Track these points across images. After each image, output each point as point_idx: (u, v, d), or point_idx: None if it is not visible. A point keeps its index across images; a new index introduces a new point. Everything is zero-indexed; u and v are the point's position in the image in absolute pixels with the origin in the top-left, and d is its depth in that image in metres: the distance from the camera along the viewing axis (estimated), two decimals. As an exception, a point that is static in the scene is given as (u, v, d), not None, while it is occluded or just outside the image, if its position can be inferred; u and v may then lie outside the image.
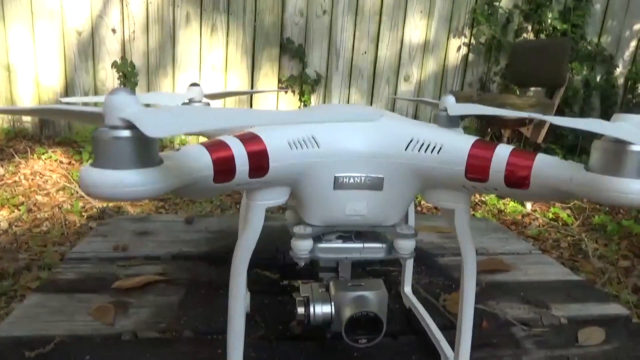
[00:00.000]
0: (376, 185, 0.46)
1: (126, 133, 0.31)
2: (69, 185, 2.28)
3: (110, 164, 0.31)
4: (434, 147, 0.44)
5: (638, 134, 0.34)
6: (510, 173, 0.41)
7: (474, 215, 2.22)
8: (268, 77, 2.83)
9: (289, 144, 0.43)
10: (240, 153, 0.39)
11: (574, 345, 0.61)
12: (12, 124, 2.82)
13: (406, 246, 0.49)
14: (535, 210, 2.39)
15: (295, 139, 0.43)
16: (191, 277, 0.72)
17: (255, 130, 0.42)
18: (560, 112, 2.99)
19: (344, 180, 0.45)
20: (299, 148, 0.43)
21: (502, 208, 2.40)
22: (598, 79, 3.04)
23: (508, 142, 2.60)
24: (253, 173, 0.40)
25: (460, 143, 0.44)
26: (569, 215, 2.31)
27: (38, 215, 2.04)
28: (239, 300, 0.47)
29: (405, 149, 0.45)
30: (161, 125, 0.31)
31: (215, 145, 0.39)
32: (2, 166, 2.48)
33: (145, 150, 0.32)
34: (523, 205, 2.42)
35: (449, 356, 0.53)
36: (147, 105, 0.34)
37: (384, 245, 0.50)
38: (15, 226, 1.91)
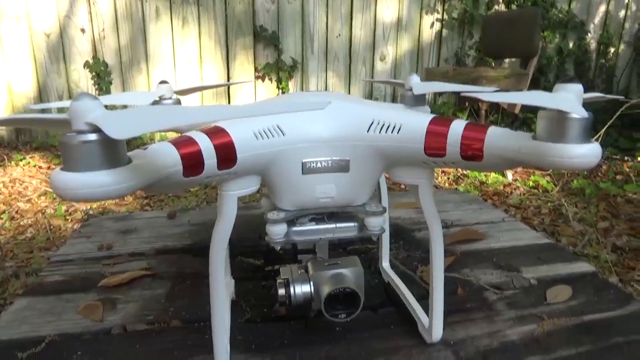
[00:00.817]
0: (343, 167, 0.48)
1: (93, 137, 0.32)
2: (50, 190, 2.27)
3: (80, 166, 0.32)
4: (394, 127, 0.46)
5: (576, 103, 0.37)
6: (465, 147, 0.43)
7: (456, 188, 2.26)
8: (244, 67, 2.82)
9: (255, 134, 0.45)
10: (207, 147, 0.41)
11: (542, 303, 0.64)
12: (-12, 132, 2.78)
13: (376, 223, 0.51)
14: (516, 180, 2.44)
15: (261, 129, 0.45)
16: (176, 270, 0.74)
17: (221, 124, 0.44)
18: (535, 81, 3.03)
19: (311, 165, 0.47)
20: (265, 138, 0.45)
21: (484, 180, 2.44)
22: (571, 45, 3.08)
23: (486, 115, 2.64)
24: (221, 165, 0.42)
25: (419, 122, 0.46)
26: (548, 182, 2.37)
27: (21, 222, 2.02)
28: (220, 287, 0.49)
29: (367, 131, 0.47)
30: (124, 126, 0.32)
31: (182, 142, 0.41)
32: (-19, 176, 2.45)
33: (113, 151, 0.33)
34: (504, 175, 2.47)
35: (425, 322, 0.56)
36: (113, 108, 0.36)
37: (355, 224, 0.52)
38: None
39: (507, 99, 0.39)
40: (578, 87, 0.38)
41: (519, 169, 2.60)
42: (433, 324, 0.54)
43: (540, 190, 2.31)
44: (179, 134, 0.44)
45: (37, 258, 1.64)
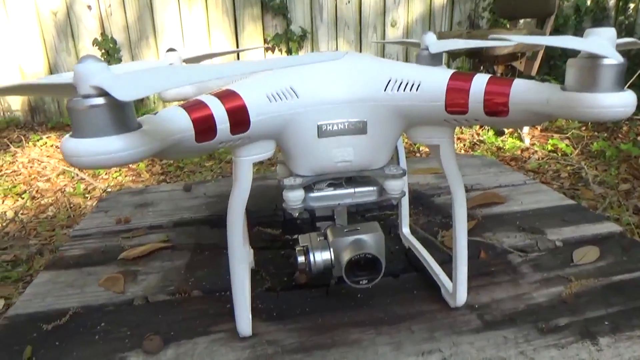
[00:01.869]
0: (360, 129, 0.46)
1: (100, 100, 0.31)
2: (68, 169, 2.29)
3: (89, 132, 0.31)
4: (413, 85, 0.44)
5: (610, 48, 0.34)
6: (489, 102, 0.41)
7: (473, 153, 2.23)
8: (253, 38, 2.78)
9: (268, 97, 0.43)
10: (219, 111, 0.40)
11: (569, 265, 0.63)
12: (2, 114, 2.80)
13: (396, 186, 0.49)
14: (534, 144, 2.39)
15: (274, 91, 0.43)
16: (195, 241, 0.74)
17: (232, 86, 0.42)
18: (552, 42, 2.92)
19: (327, 127, 0.46)
20: (279, 100, 0.43)
21: (501, 145, 2.40)
22: (588, 2, 2.96)
23: (503, 76, 2.57)
24: (234, 129, 0.41)
25: (438, 78, 0.44)
26: (567, 145, 2.32)
27: (42, 202, 2.06)
28: (238, 254, 0.48)
29: (385, 90, 0.45)
30: (131, 87, 0.31)
31: (193, 106, 0.39)
32: (-1, 157, 2.49)
33: (122, 115, 0.32)
34: (521, 140, 2.42)
35: (448, 287, 0.55)
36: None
37: (374, 188, 0.51)
38: (21, 214, 1.93)
39: (534, 41, 0.37)
40: (611, 32, 0.35)
41: (537, 133, 2.54)
42: (457, 287, 0.53)
43: (559, 154, 2.26)
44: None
45: (59, 235, 1.67)
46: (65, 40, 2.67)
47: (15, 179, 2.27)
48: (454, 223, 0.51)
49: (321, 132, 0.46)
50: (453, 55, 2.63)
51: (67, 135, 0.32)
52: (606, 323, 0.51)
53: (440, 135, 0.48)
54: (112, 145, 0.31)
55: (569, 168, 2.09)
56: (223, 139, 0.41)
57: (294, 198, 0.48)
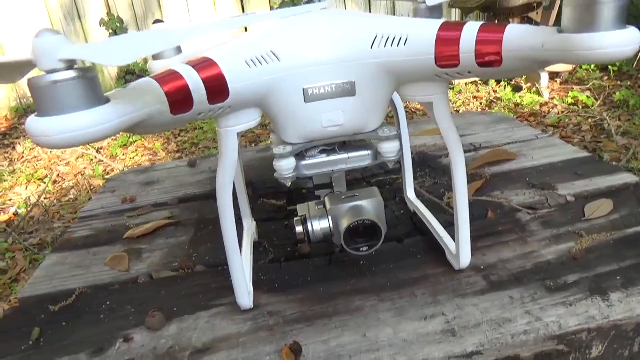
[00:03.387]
0: (348, 90, 0.44)
1: (69, 74, 0.30)
2: (86, 151, 2.32)
3: (57, 109, 0.30)
4: (400, 39, 0.41)
5: None
6: (481, 51, 0.38)
7: (489, 111, 2.16)
8: (259, 6, 2.72)
9: (247, 62, 0.41)
10: (194, 80, 0.38)
11: (580, 220, 0.60)
12: (18, 101, 2.84)
13: (391, 148, 0.47)
14: (553, 98, 2.31)
15: (253, 56, 0.41)
16: (198, 217, 0.74)
17: (208, 53, 0.40)
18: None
19: (313, 91, 0.44)
20: (258, 65, 0.41)
21: (519, 101, 2.32)
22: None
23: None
24: (212, 98, 0.39)
25: (426, 29, 0.41)
26: (588, 97, 2.23)
27: (63, 185, 2.10)
28: (230, 225, 0.48)
29: (371, 47, 0.42)
30: (118, 52, 0.30)
31: (166, 76, 0.37)
32: (19, 144, 2.54)
33: (90, 89, 0.31)
34: (540, 94, 2.33)
35: (452, 249, 0.54)
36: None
37: (368, 152, 0.49)
38: (44, 198, 1.98)
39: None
40: None
41: (556, 86, 2.45)
42: (460, 249, 0.51)
43: (580, 106, 2.18)
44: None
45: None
46: (73, 22, 2.67)
47: (36, 164, 2.32)
48: (453, 182, 0.49)
49: (307, 96, 0.44)
50: (465, 10, 2.53)
51: (32, 115, 0.31)
52: (618, 278, 0.49)
53: (433, 92, 0.45)
54: (82, 120, 0.30)
55: (590, 120, 2.01)
56: (201, 110, 0.39)
57: (284, 166, 0.47)
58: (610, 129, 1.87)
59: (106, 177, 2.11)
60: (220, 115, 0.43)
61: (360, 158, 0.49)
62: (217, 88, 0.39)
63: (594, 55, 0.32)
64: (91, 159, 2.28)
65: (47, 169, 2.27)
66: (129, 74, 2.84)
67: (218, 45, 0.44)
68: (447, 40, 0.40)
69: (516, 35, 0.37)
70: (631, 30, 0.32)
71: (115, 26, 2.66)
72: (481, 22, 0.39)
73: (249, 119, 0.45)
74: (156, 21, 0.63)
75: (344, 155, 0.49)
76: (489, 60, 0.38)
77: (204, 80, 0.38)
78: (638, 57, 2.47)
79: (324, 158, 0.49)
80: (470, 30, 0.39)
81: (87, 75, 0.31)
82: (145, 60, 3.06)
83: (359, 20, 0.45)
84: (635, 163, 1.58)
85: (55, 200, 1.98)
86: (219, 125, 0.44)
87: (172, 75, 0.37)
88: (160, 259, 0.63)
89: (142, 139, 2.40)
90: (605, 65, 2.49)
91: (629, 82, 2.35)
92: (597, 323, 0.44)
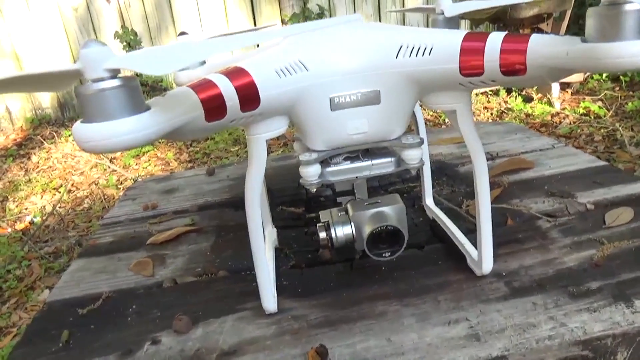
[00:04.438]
0: (373, 99, 0.45)
1: (114, 82, 0.31)
2: (100, 161, 2.35)
3: (101, 116, 0.32)
4: (425, 49, 0.43)
5: None
6: (506, 60, 0.39)
7: (503, 121, 2.17)
8: (271, 18, 2.76)
9: (277, 72, 0.42)
10: (227, 89, 0.39)
11: (601, 228, 0.61)
12: (34, 112, 2.89)
13: (414, 156, 0.48)
14: (564, 108, 2.31)
15: (283, 66, 0.43)
16: (219, 224, 0.75)
17: (240, 64, 0.42)
18: (580, 3, 2.79)
19: (340, 99, 0.45)
20: (288, 75, 0.43)
21: (530, 112, 2.32)
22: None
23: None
24: (245, 106, 0.41)
25: (451, 39, 0.42)
26: (600, 107, 2.22)
27: (78, 195, 2.13)
28: (259, 232, 0.49)
29: (396, 57, 0.44)
30: (159, 62, 0.31)
31: (201, 85, 0.39)
32: (35, 154, 2.58)
33: (133, 97, 0.33)
34: (551, 105, 2.34)
35: (474, 255, 0.54)
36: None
37: (392, 159, 0.50)
38: (59, 207, 2.01)
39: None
40: None
41: (567, 97, 2.45)
42: (483, 255, 0.52)
43: (592, 117, 2.18)
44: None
45: (96, 227, 1.72)
46: (88, 35, 2.72)
47: (52, 174, 2.35)
48: (475, 189, 0.50)
49: (334, 105, 0.45)
50: (475, 22, 2.54)
51: (78, 122, 0.33)
52: (641, 285, 0.49)
53: (457, 100, 0.46)
54: (124, 127, 0.32)
55: (602, 131, 2.01)
56: (233, 117, 0.41)
57: (310, 173, 0.48)
58: (623, 139, 1.86)
59: (119, 186, 2.13)
60: (250, 123, 0.44)
61: (384, 165, 0.50)
62: (249, 96, 0.40)
63: (619, 63, 0.33)
64: (105, 169, 2.31)
65: (62, 178, 2.30)
66: (142, 85, 2.89)
67: (246, 56, 0.46)
68: (471, 50, 0.41)
69: (541, 45, 0.38)
70: None
71: (129, 39, 2.71)
72: (505, 32, 0.41)
73: (277, 127, 0.46)
74: (181, 33, 0.65)
75: (368, 162, 0.50)
76: (513, 69, 0.39)
77: (237, 89, 0.40)
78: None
79: (348, 165, 0.50)
80: (495, 40, 0.40)
81: (131, 84, 0.32)
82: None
83: (384, 31, 0.46)
84: (650, 173, 1.57)
85: (70, 210, 2.00)
86: (249, 132, 0.45)
87: (207, 84, 0.39)
88: (183, 265, 0.64)
89: (155, 149, 2.42)
90: (617, 75, 2.49)
91: (641, 93, 2.34)
92: (622, 329, 0.44)
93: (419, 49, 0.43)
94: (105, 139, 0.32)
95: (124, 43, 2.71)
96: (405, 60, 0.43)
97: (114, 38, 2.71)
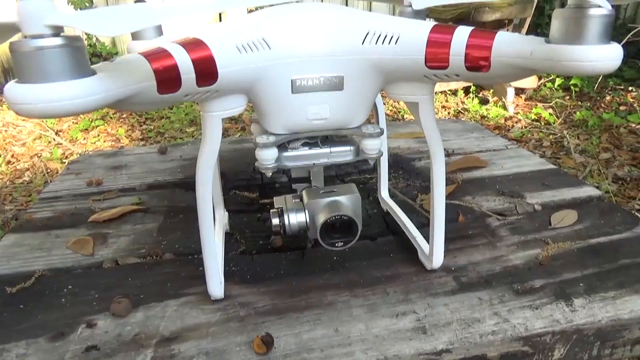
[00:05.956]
0: (336, 85, 0.44)
1: (56, 41, 0.28)
2: (45, 133, 2.23)
3: (40, 77, 0.29)
4: (392, 38, 0.42)
5: None
6: (471, 55, 0.39)
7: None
8: None
9: (238, 47, 0.40)
10: (183, 61, 0.37)
11: (547, 228, 0.62)
12: (-27, 75, 2.69)
13: (373, 146, 0.48)
14: (517, 113, 2.39)
15: (245, 42, 0.41)
16: (168, 204, 0.72)
17: (199, 35, 0.39)
18: (540, 9, 2.89)
19: (302, 82, 0.43)
20: (249, 51, 0.41)
21: (485, 114, 2.39)
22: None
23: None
24: (201, 81, 0.38)
25: (419, 31, 0.41)
26: (550, 114, 2.32)
27: (18, 167, 2.00)
28: (208, 215, 0.47)
29: (362, 43, 0.43)
30: (110, 23, 0.29)
31: (155, 54, 0.36)
32: (-29, 120, 2.40)
33: (76, 59, 0.30)
34: (505, 108, 2.41)
35: (425, 250, 0.55)
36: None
37: (351, 148, 0.49)
38: (-5, 179, 1.88)
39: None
40: None
41: (521, 102, 2.54)
42: (434, 250, 0.52)
43: (542, 123, 2.27)
44: None
45: (36, 201, 1.63)
46: (38, -2, 2.55)
47: (-11, 143, 2.20)
48: (432, 184, 0.50)
49: (295, 87, 0.43)
50: (439, 21, 2.58)
51: (12, 81, 0.30)
52: (581, 285, 0.51)
53: (420, 92, 0.46)
54: (67, 91, 0.29)
55: (551, 137, 2.09)
56: (188, 91, 0.38)
57: (266, 157, 0.46)
58: (569, 146, 1.95)
59: (64, 161, 2.02)
60: (206, 99, 0.42)
61: (342, 153, 0.49)
62: (206, 71, 0.38)
63: (580, 67, 0.33)
64: (49, 141, 2.19)
65: (1, 148, 2.16)
66: (95, 56, 2.75)
67: (206, 28, 0.43)
68: (438, 43, 0.40)
69: (506, 43, 0.38)
70: (615, 46, 0.33)
71: (84, 5, 2.56)
72: (472, 27, 0.40)
73: (234, 106, 0.44)
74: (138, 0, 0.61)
75: (326, 150, 0.49)
76: (478, 65, 0.39)
77: (194, 62, 0.37)
78: (599, 80, 2.59)
79: (306, 151, 0.48)
80: (462, 34, 0.39)
81: (75, 44, 0.29)
82: (113, 43, 2.96)
83: (352, 16, 0.45)
84: (591, 180, 1.65)
85: (8, 182, 1.88)
86: (204, 109, 0.43)
87: (162, 53, 0.36)
88: (127, 245, 0.61)
89: (105, 125, 2.32)
90: (568, 85, 2.60)
91: (588, 104, 2.46)
92: (561, 327, 0.45)
93: (385, 36, 0.42)
94: (42, 102, 0.29)
95: (78, 10, 2.56)
96: (371, 47, 0.42)
97: (68, 4, 2.56)
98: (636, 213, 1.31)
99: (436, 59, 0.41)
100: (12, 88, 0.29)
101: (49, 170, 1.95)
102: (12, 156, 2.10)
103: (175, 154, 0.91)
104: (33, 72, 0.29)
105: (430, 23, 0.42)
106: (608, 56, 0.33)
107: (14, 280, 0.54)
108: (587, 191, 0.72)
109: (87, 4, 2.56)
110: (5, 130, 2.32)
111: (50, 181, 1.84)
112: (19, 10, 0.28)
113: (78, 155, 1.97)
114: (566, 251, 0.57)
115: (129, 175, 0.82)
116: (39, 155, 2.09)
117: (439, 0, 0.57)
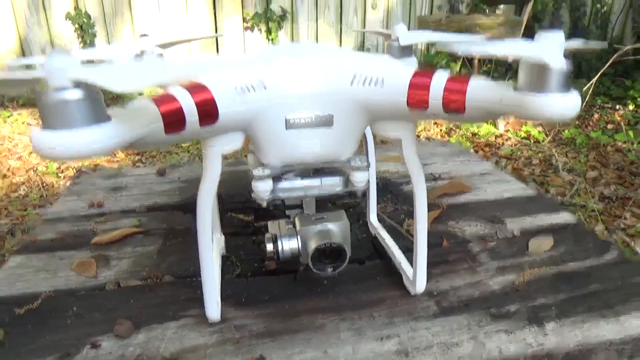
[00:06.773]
0: (326, 122, 0.48)
1: (77, 93, 0.32)
2: (41, 146, 2.24)
3: (62, 124, 0.32)
4: (377, 80, 0.46)
5: (556, 53, 0.37)
6: (448, 99, 0.43)
7: (448, 140, 2.26)
8: (232, 17, 2.74)
9: (237, 89, 0.44)
10: (188, 103, 0.41)
11: (524, 254, 0.66)
12: (-29, 89, 2.70)
13: (361, 178, 0.52)
14: (507, 131, 2.44)
15: (243, 84, 0.44)
16: (167, 226, 0.75)
17: (202, 79, 0.43)
18: (529, 28, 2.96)
19: (295, 120, 0.47)
20: (247, 93, 0.44)
21: (476, 131, 2.44)
22: (566, -10, 3.00)
23: (479, 64, 2.60)
24: (203, 122, 0.42)
25: (401, 74, 0.45)
26: (540, 132, 2.37)
27: (13, 180, 2.02)
28: (207, 242, 0.50)
29: (351, 84, 0.46)
30: (126, 79, 0.32)
31: (162, 99, 0.40)
32: (-32, 134, 2.42)
33: (95, 108, 0.33)
34: (496, 126, 2.47)
35: (409, 274, 0.58)
36: (93, 62, 0.35)
37: (340, 179, 0.53)
38: (-8, 193, 1.90)
39: (485, 52, 0.39)
40: (559, 36, 0.37)
41: (511, 120, 2.59)
42: (417, 276, 0.56)
43: (532, 141, 2.32)
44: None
45: (32, 215, 1.65)
46: (37, 13, 2.59)
47: (-14, 157, 2.22)
48: (415, 212, 0.53)
49: (289, 124, 0.47)
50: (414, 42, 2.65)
51: (38, 128, 0.33)
52: (553, 309, 0.55)
53: (402, 129, 0.50)
54: (86, 136, 0.32)
55: (540, 155, 2.14)
56: (192, 131, 0.42)
57: (262, 188, 0.50)
58: (557, 164, 2.00)
59: (60, 175, 2.05)
60: (207, 136, 0.46)
61: (332, 185, 0.53)
62: (208, 112, 0.42)
63: (542, 113, 0.38)
64: (46, 155, 2.20)
65: (-3, 161, 2.18)
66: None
67: (208, 65, 0.47)
68: (419, 86, 0.44)
69: (479, 88, 0.42)
70: (574, 95, 0.38)
71: (82, 22, 2.60)
72: (448, 74, 0.44)
73: (233, 142, 0.48)
74: (142, 35, 0.65)
75: (317, 181, 0.52)
76: (454, 107, 0.43)
77: (197, 105, 0.41)
78: (587, 99, 2.66)
79: (299, 182, 0.52)
80: (440, 79, 0.43)
81: (94, 95, 0.33)
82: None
83: (342, 58, 0.49)
84: (578, 199, 1.70)
85: (3, 196, 1.90)
86: (205, 145, 0.47)
87: (169, 98, 0.40)
88: (128, 267, 0.64)
89: (103, 139, 2.34)
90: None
91: (577, 122, 2.52)
92: (532, 350, 0.49)
93: (371, 79, 0.46)
94: (66, 147, 0.32)
95: (76, 25, 2.60)
96: (358, 88, 0.46)
97: (66, 19, 2.60)
98: (620, 233, 1.36)
99: (417, 100, 0.45)
100: (39, 135, 0.33)
101: (44, 184, 1.97)
102: (8, 170, 2.11)
103: (173, 176, 0.95)
104: (58, 120, 0.32)
105: (412, 67, 0.46)
106: (568, 105, 0.37)
107: (21, 301, 0.57)
108: (564, 217, 0.76)
109: (85, 20, 2.60)
110: (1, 144, 2.34)
111: (46, 195, 1.87)
112: (46, 64, 0.32)
113: (74, 170, 2.00)
114: (541, 276, 0.61)
115: (128, 196, 0.86)
116: (35, 169, 2.11)
117: (423, 38, 0.61)
